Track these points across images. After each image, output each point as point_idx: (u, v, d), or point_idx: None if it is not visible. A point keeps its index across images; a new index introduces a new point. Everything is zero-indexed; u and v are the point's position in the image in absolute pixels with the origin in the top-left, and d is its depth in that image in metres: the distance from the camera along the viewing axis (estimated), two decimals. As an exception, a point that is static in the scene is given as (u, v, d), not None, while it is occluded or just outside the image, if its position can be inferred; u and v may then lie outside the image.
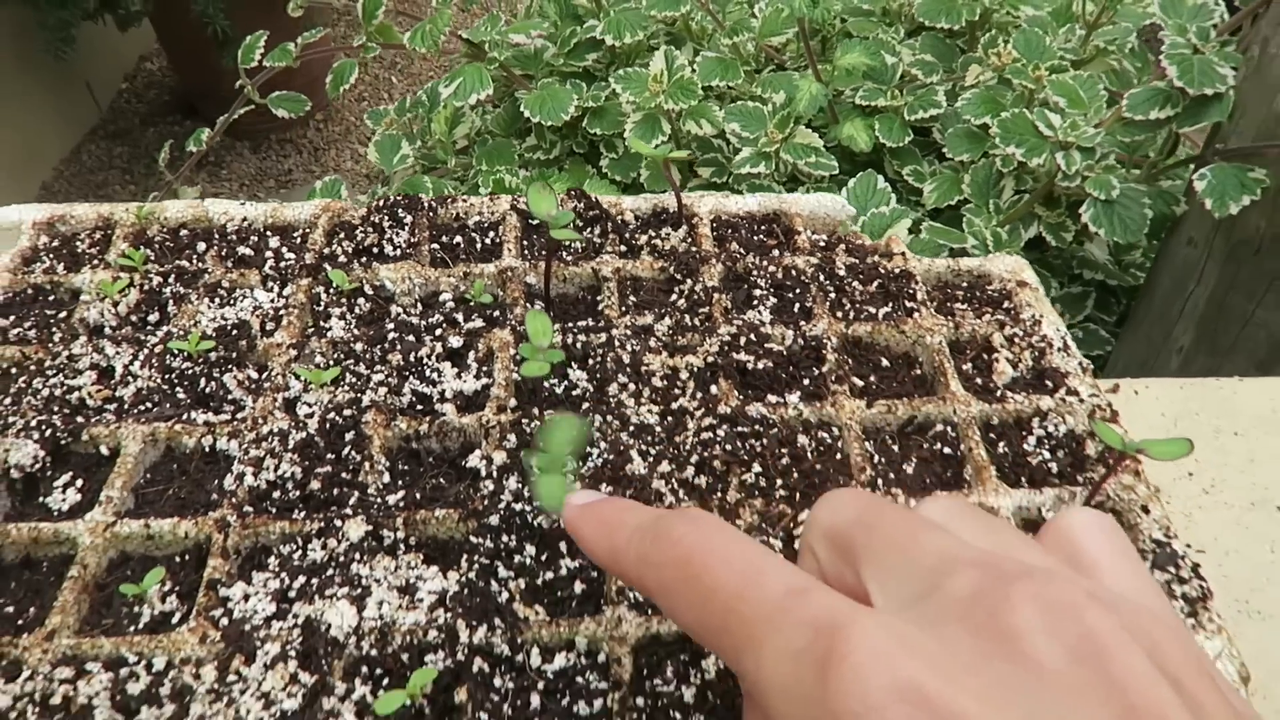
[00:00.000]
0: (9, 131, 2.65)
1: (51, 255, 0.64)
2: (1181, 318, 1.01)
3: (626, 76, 1.15)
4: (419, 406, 0.54)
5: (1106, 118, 1.02)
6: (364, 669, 0.43)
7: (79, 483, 0.51)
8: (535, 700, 0.43)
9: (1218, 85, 0.90)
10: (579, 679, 0.44)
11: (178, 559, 0.49)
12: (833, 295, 0.61)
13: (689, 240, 0.65)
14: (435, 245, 0.65)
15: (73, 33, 2.54)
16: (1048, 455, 0.53)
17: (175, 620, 0.46)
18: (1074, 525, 0.32)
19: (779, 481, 0.51)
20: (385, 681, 0.43)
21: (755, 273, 0.63)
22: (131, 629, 0.45)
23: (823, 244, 0.66)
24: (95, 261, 0.63)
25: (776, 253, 0.65)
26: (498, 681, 0.43)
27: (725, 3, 1.27)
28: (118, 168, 2.99)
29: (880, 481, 0.51)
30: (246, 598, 0.46)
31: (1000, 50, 1.10)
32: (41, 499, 0.51)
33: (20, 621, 0.46)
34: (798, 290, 0.62)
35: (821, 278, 0.63)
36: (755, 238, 0.67)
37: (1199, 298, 0.99)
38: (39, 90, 2.80)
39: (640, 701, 0.43)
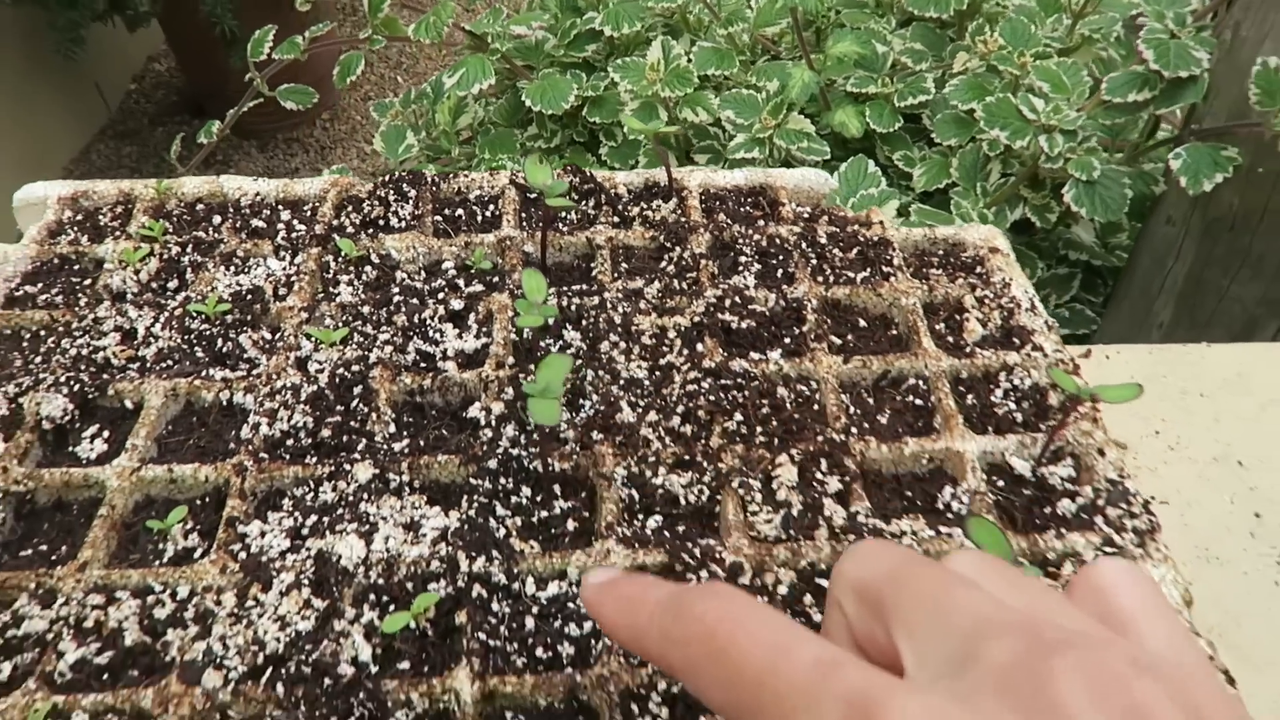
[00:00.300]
0: (21, 131, 2.69)
1: (76, 228, 0.67)
2: (1162, 293, 1.04)
3: (625, 66, 1.18)
4: (422, 364, 0.58)
5: (1088, 102, 1.05)
6: (371, 596, 0.47)
7: (105, 433, 0.55)
8: (530, 623, 0.46)
9: (1193, 68, 0.93)
10: (570, 605, 0.47)
11: (198, 501, 0.52)
12: (814, 261, 0.65)
13: (679, 211, 0.69)
14: (438, 217, 0.69)
15: (82, 33, 2.58)
16: (1013, 406, 0.57)
17: (197, 555, 0.49)
18: (1105, 579, 0.31)
19: (759, 429, 0.54)
20: (391, 607, 0.47)
21: (741, 241, 0.66)
22: (157, 562, 0.49)
23: (806, 215, 0.70)
24: (117, 233, 0.67)
25: (762, 223, 0.68)
26: (495, 606, 0.47)
27: (722, -6, 1.30)
28: (126, 167, 3.03)
29: (855, 430, 0.54)
30: (263, 534, 0.49)
31: (987, 38, 1.14)
32: (71, 448, 0.54)
33: (54, 557, 0.50)
34: (781, 257, 0.65)
35: (804, 245, 0.66)
36: (742, 209, 0.70)
37: (1178, 274, 1.02)
38: (49, 91, 2.84)
39: (627, 623, 0.46)
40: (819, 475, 0.52)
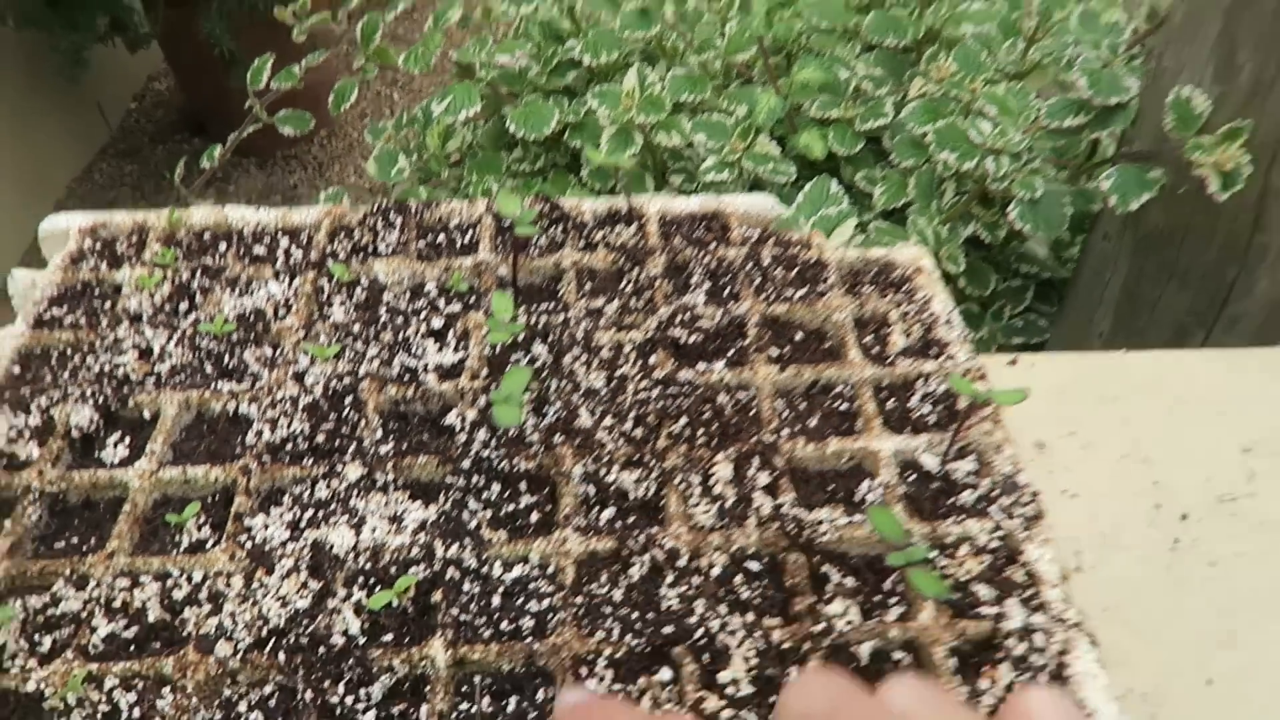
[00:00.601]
0: (24, 151, 2.77)
1: (95, 255, 0.75)
2: (1101, 305, 1.12)
3: (603, 93, 1.26)
4: (406, 376, 0.65)
5: (1033, 124, 1.13)
6: (360, 578, 0.54)
7: (127, 440, 0.62)
8: (496, 600, 0.54)
9: (1122, 95, 1.01)
10: (532, 585, 0.54)
11: (209, 498, 0.60)
12: (758, 280, 0.72)
13: (639, 236, 0.76)
14: (421, 243, 0.76)
15: (85, 55, 2.66)
16: (928, 410, 0.64)
17: (209, 545, 0.57)
18: (1031, 707, 0.33)
19: (701, 431, 0.62)
20: (377, 587, 0.54)
21: (693, 263, 0.74)
22: (174, 551, 0.56)
23: (754, 238, 0.77)
24: (133, 259, 0.74)
25: (713, 245, 0.76)
26: (467, 586, 0.54)
27: (695, 22, 1.38)
28: (128, 185, 3.10)
29: (786, 431, 0.62)
30: (266, 526, 0.57)
31: (940, 65, 1.21)
32: (97, 453, 0.62)
33: (85, 547, 0.57)
34: (728, 277, 0.73)
35: (749, 266, 0.74)
36: (696, 233, 0.78)
37: (1114, 287, 1.09)
38: (51, 110, 2.92)
39: (579, 600, 0.53)
40: (751, 472, 0.59)
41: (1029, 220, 1.09)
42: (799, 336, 0.70)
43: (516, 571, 0.55)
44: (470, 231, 0.77)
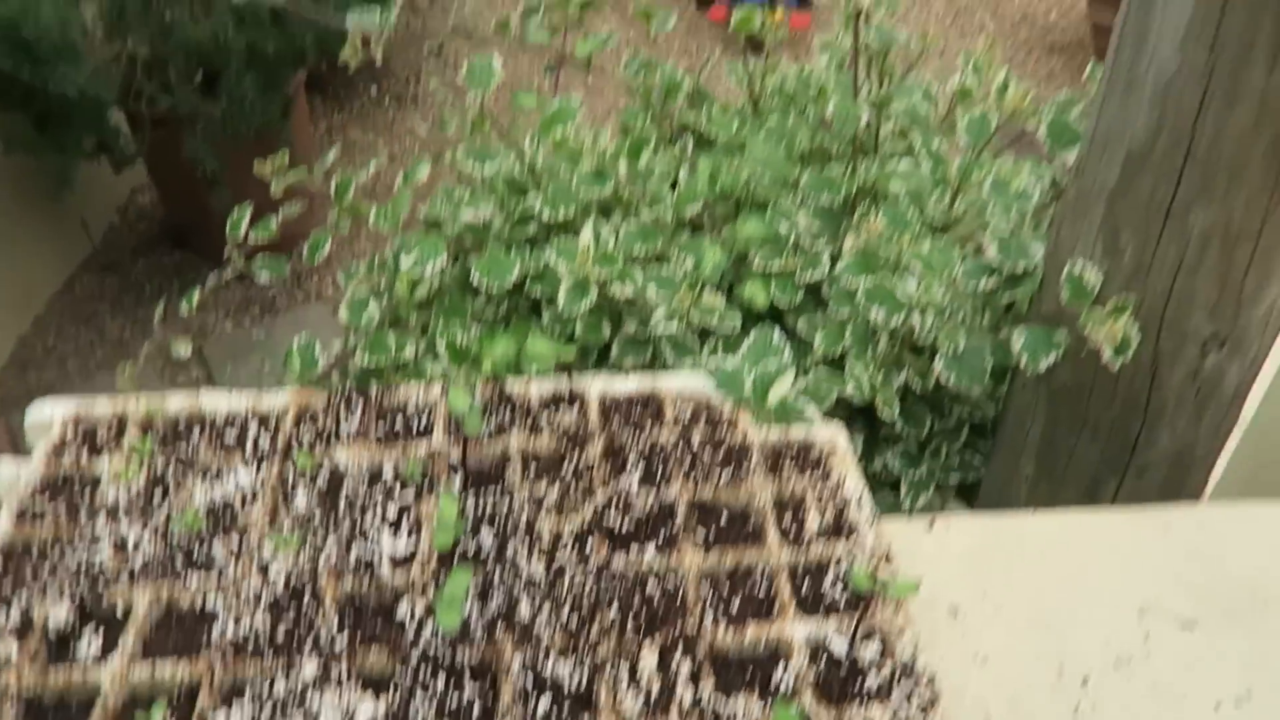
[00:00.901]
0: (5, 265, 2.83)
1: (77, 445, 0.81)
2: (1025, 449, 1.19)
3: (561, 248, 1.35)
4: (362, 567, 0.71)
5: (953, 282, 1.22)
6: (313, 774, 0.59)
7: (101, 634, 0.67)
8: (439, 794, 0.59)
9: (1028, 263, 1.11)
10: (472, 777, 0.60)
11: (176, 696, 0.65)
12: (687, 463, 0.79)
13: (580, 418, 0.83)
14: (380, 427, 0.83)
15: (71, 175, 2.75)
16: (839, 592, 0.70)
17: (173, 741, 0.62)
18: None
19: (631, 619, 0.68)
20: (329, 783, 0.59)
21: (629, 446, 0.81)
22: (141, 749, 0.61)
23: (687, 417, 0.85)
24: (113, 446, 0.80)
25: (649, 426, 0.83)
26: (412, 781, 0.59)
27: (647, 177, 1.48)
28: (108, 299, 3.16)
29: (709, 616, 0.68)
30: (227, 722, 0.62)
31: (871, 223, 1.31)
32: (72, 648, 0.67)
33: (57, 746, 0.62)
34: (661, 459, 0.80)
35: (681, 447, 0.81)
36: (633, 413, 0.85)
37: (1035, 434, 1.17)
38: (36, 227, 2.98)
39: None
40: (676, 660, 0.65)
41: (954, 372, 1.18)
42: (724, 519, 0.76)
43: (458, 764, 0.60)
44: (426, 415, 0.84)
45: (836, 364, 1.34)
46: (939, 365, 1.18)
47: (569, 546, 0.72)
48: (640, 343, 1.39)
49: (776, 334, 1.26)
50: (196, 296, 1.52)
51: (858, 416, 1.35)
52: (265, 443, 0.81)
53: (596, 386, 0.87)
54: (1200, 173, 0.90)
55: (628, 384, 0.87)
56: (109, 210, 3.45)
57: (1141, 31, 0.90)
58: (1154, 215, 0.95)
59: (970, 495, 1.39)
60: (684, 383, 0.87)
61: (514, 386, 0.86)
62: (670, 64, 1.67)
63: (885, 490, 1.35)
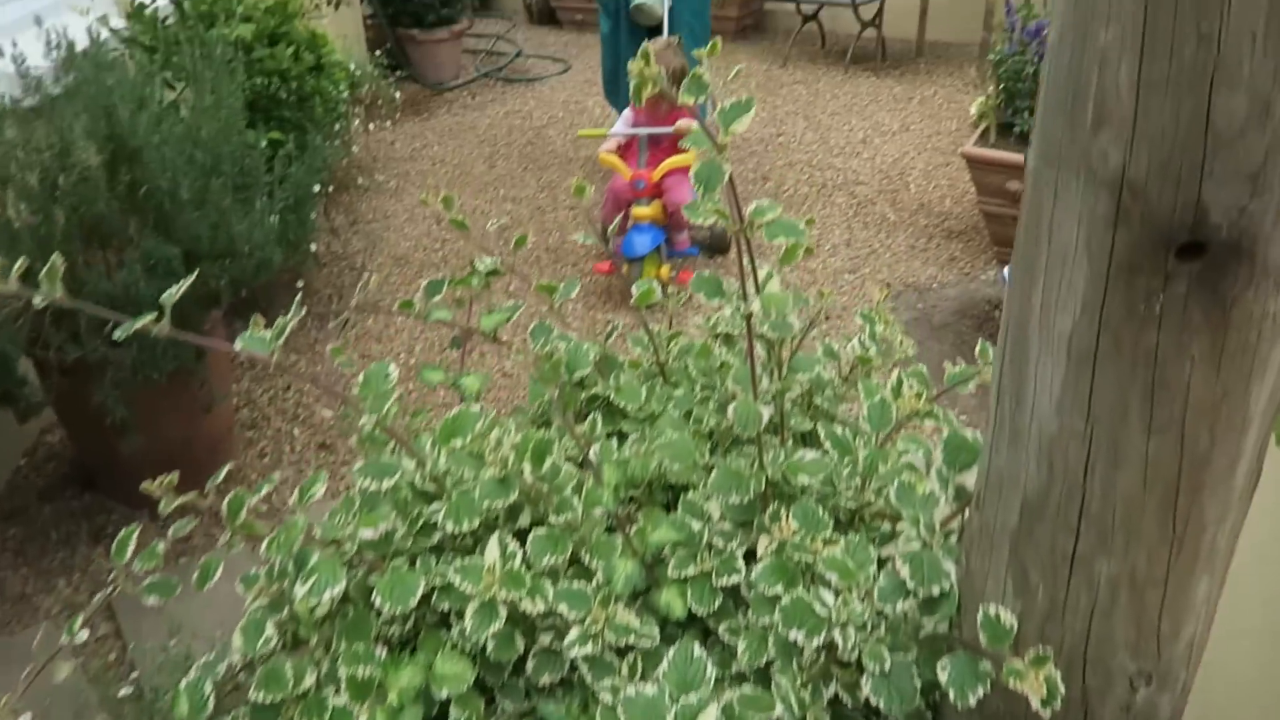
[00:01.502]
0: (-98, 527, 2.67)
1: None
2: (964, 776, 1.13)
3: (463, 568, 1.29)
4: None
5: (871, 593, 1.18)
6: None
7: None
8: None
9: (943, 584, 1.07)
10: None
11: None
12: None
13: None
14: None
15: (-24, 431, 2.64)
16: None
17: None
18: None
19: None
20: None
21: None
22: None
23: None
24: None
25: None
26: None
27: (553, 477, 1.44)
28: (10, 550, 3.00)
29: None
30: None
31: (782, 524, 1.28)
32: None
33: None
34: None
35: None
36: None
37: (975, 765, 1.11)
38: (-64, 479, 2.85)
39: None
40: None
41: (882, 694, 1.12)
42: None
43: None
44: None
45: (763, 674, 1.28)
46: (866, 688, 1.13)
47: None
48: (556, 654, 1.32)
49: (697, 648, 1.20)
50: (94, 603, 1.41)
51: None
52: None
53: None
54: (1096, 529, 0.89)
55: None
56: (16, 453, 3.33)
57: (1019, 391, 0.90)
58: (1059, 562, 0.93)
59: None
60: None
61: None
62: (572, 336, 1.66)
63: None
